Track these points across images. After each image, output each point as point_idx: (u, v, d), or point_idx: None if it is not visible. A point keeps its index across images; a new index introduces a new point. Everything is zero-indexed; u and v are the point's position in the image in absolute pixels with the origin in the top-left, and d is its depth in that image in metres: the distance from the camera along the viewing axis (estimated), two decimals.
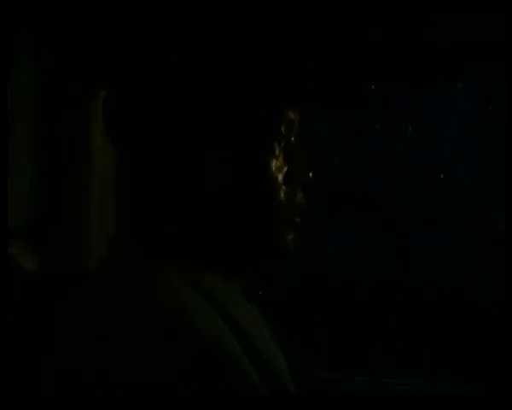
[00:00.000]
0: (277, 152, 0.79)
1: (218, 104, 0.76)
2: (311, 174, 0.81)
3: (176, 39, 0.79)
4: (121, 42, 1.05)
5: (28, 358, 0.79)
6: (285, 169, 0.79)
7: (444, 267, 3.91)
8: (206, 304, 0.71)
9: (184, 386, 0.62)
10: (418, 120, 3.80)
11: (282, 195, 0.78)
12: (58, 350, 0.71)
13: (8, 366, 0.72)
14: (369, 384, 1.83)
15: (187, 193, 0.77)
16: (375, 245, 3.98)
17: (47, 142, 1.14)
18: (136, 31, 0.96)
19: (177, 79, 0.76)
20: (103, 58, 1.11)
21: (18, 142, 1.08)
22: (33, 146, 1.13)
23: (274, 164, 0.78)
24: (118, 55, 1.06)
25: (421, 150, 3.98)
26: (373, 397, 1.55)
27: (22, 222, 1.11)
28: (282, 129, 0.79)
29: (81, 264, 1.13)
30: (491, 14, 0.94)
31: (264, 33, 0.84)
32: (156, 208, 0.79)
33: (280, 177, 0.78)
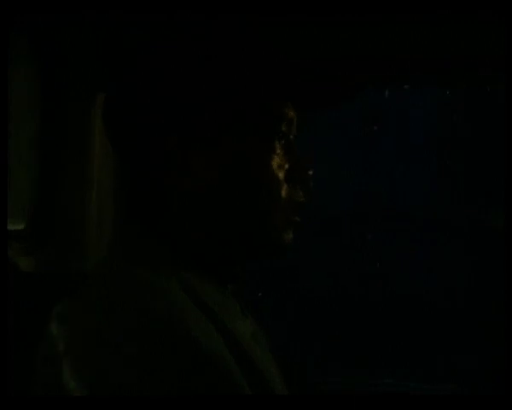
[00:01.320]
0: (278, 150, 0.79)
1: (216, 103, 0.76)
2: (311, 172, 0.81)
3: (173, 40, 0.79)
4: (121, 43, 1.05)
5: (28, 358, 0.79)
6: (286, 167, 0.80)
7: (443, 268, 3.90)
8: (201, 312, 0.71)
9: (175, 392, 0.61)
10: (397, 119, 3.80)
11: (282, 193, 0.79)
12: (58, 351, 0.71)
13: (8, 366, 0.72)
14: (369, 386, 1.83)
15: (184, 194, 0.77)
16: (376, 247, 3.98)
17: (46, 143, 1.14)
18: (135, 31, 0.96)
19: (176, 80, 0.76)
20: (104, 59, 1.11)
21: (18, 143, 1.08)
22: (33, 147, 1.13)
23: (275, 162, 0.78)
24: (118, 56, 1.06)
25: (420, 153, 3.98)
26: (372, 398, 1.55)
27: (21, 224, 1.11)
28: (283, 127, 0.79)
29: (79, 266, 1.13)
30: (491, 14, 0.95)
31: (262, 32, 0.85)
32: (152, 211, 0.79)
33: (281, 175, 0.78)
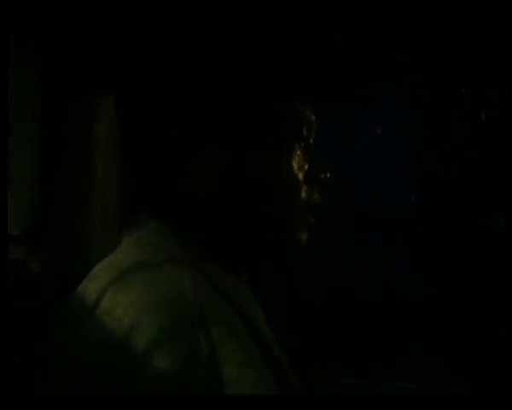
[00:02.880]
0: (299, 152, 0.80)
1: (236, 104, 0.77)
2: (328, 174, 0.83)
3: (182, 39, 0.79)
4: (121, 43, 1.05)
5: (28, 358, 0.79)
6: (306, 168, 0.81)
7: (443, 268, 3.90)
8: (221, 303, 0.71)
9: (196, 386, 0.61)
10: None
11: (302, 193, 0.80)
12: (58, 350, 0.71)
13: (8, 366, 0.72)
14: (369, 386, 1.83)
15: (197, 193, 0.77)
16: (375, 247, 3.98)
17: (47, 143, 1.14)
18: (135, 31, 0.96)
19: (179, 80, 0.76)
20: (104, 59, 1.11)
21: (18, 143, 1.08)
22: (33, 147, 1.13)
23: (296, 164, 0.79)
24: (118, 56, 1.06)
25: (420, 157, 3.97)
26: (372, 398, 1.55)
27: (22, 225, 1.11)
28: (304, 130, 0.81)
29: (82, 266, 1.12)
30: (491, 14, 0.95)
31: (261, 32, 0.85)
32: (166, 210, 0.79)
33: (300, 176, 0.80)
